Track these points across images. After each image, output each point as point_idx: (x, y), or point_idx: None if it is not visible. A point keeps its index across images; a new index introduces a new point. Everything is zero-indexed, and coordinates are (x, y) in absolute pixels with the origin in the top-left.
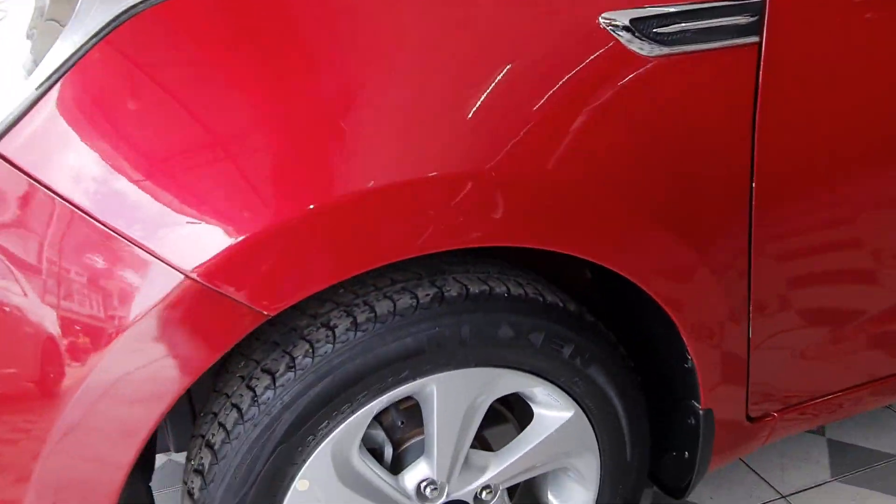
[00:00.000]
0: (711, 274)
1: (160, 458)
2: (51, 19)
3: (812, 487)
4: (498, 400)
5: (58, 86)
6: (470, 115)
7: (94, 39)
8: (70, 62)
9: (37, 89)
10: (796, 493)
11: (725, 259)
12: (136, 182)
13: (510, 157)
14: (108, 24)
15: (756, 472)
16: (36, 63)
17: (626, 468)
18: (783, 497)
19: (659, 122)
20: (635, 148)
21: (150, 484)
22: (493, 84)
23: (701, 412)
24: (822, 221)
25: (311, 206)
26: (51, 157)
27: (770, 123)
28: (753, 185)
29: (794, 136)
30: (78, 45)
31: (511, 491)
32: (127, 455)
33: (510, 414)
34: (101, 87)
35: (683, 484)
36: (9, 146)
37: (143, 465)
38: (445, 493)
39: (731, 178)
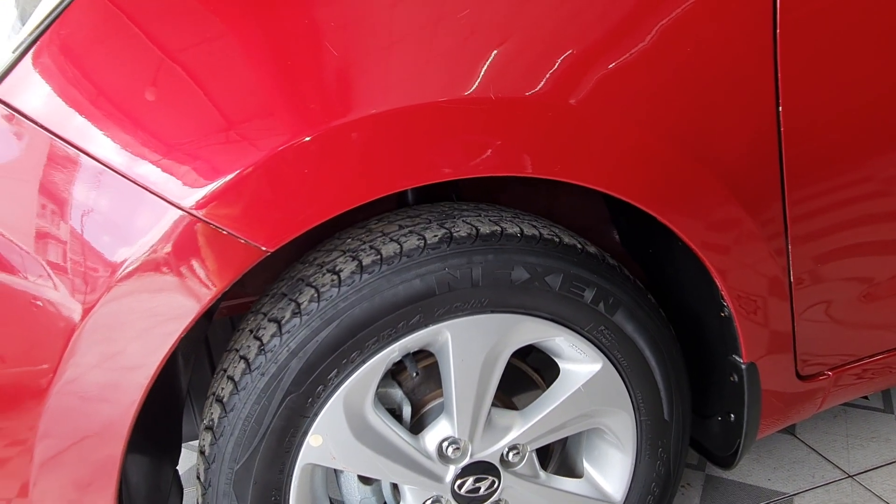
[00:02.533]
0: (743, 208)
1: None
2: None
3: (881, 466)
4: (529, 366)
5: (48, 33)
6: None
7: None
8: (62, 5)
9: (29, 35)
10: (864, 472)
11: (758, 191)
12: (131, 122)
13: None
14: None
15: (818, 452)
16: (28, 13)
17: (665, 428)
18: (850, 476)
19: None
20: (663, 84)
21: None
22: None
23: (743, 367)
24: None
25: (304, 140)
26: (49, 101)
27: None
28: (780, 108)
29: (816, 75)
30: None
31: (545, 461)
32: (139, 390)
33: (540, 379)
34: (91, 32)
35: (731, 451)
36: (5, 91)
37: (171, 450)
38: (469, 454)
39: (755, 107)
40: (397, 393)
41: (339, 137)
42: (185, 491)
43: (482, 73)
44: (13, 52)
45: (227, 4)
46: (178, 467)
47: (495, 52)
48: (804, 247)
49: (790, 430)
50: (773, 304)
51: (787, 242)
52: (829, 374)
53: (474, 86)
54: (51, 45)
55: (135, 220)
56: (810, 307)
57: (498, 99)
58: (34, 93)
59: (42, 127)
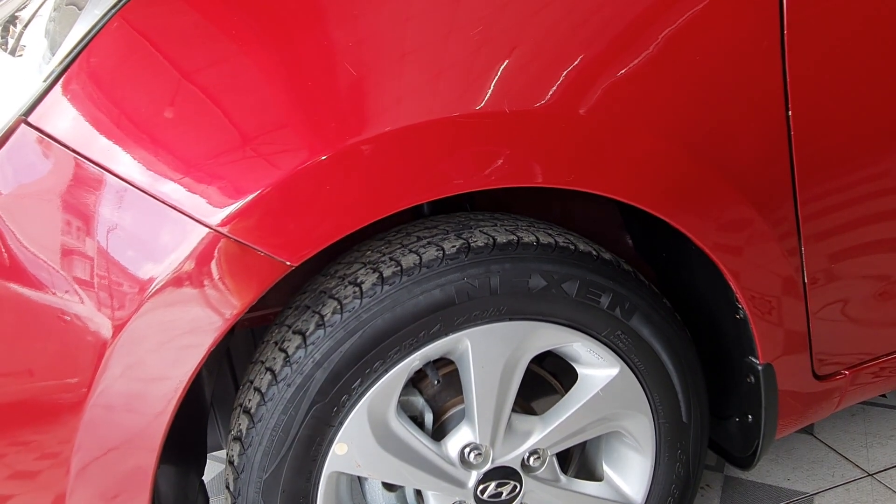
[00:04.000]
0: (754, 208)
1: (217, 468)
2: (70, 3)
3: None
4: (547, 372)
5: (77, 61)
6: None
7: (110, 14)
8: (90, 35)
9: (59, 64)
10: (884, 470)
11: (769, 191)
12: (158, 144)
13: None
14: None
15: (837, 451)
16: (57, 43)
17: (683, 430)
18: (870, 475)
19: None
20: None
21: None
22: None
23: (760, 368)
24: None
25: (323, 157)
26: (80, 127)
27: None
28: (789, 108)
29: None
30: (97, 18)
31: (565, 465)
32: (170, 403)
33: (558, 384)
34: (117, 58)
35: (750, 451)
36: (38, 117)
37: (197, 461)
38: (490, 459)
39: (763, 108)
40: (419, 401)
41: (356, 155)
42: (211, 501)
43: (492, 86)
44: (44, 82)
45: (246, 32)
46: (203, 477)
47: (504, 65)
48: (817, 246)
49: (808, 430)
50: (787, 304)
51: (799, 242)
52: (845, 374)
53: (485, 99)
54: (80, 72)
55: (163, 238)
56: (825, 306)
57: (510, 112)
58: (66, 118)
59: (74, 152)
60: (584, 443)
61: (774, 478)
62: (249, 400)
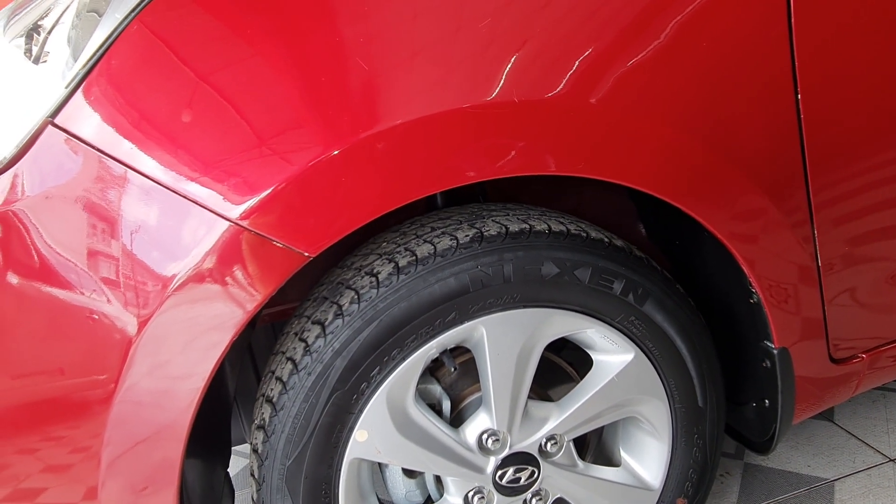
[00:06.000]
0: (768, 197)
1: (242, 462)
2: (91, 10)
3: None
4: (564, 360)
5: (99, 65)
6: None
7: (129, 18)
8: (111, 38)
9: (82, 68)
10: None
11: (782, 179)
12: (179, 142)
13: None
14: (139, 4)
15: (857, 437)
16: (80, 48)
17: (700, 415)
18: (891, 461)
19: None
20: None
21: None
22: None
23: (775, 352)
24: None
25: (337, 151)
26: (103, 127)
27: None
28: (799, 95)
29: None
30: (117, 23)
31: (583, 451)
32: (193, 396)
33: (574, 372)
34: (137, 59)
35: (767, 436)
36: (64, 118)
37: (222, 453)
38: (508, 445)
39: (773, 96)
40: (437, 388)
41: (369, 148)
42: (237, 494)
43: (503, 77)
44: (67, 87)
45: (260, 32)
46: (228, 469)
47: (514, 56)
48: (831, 233)
49: (829, 417)
50: (802, 290)
51: (813, 229)
52: (862, 357)
53: (496, 90)
54: (102, 75)
55: (185, 233)
56: (840, 292)
57: (520, 102)
58: (90, 119)
59: (99, 150)
60: (602, 429)
61: (795, 464)
62: (271, 389)
